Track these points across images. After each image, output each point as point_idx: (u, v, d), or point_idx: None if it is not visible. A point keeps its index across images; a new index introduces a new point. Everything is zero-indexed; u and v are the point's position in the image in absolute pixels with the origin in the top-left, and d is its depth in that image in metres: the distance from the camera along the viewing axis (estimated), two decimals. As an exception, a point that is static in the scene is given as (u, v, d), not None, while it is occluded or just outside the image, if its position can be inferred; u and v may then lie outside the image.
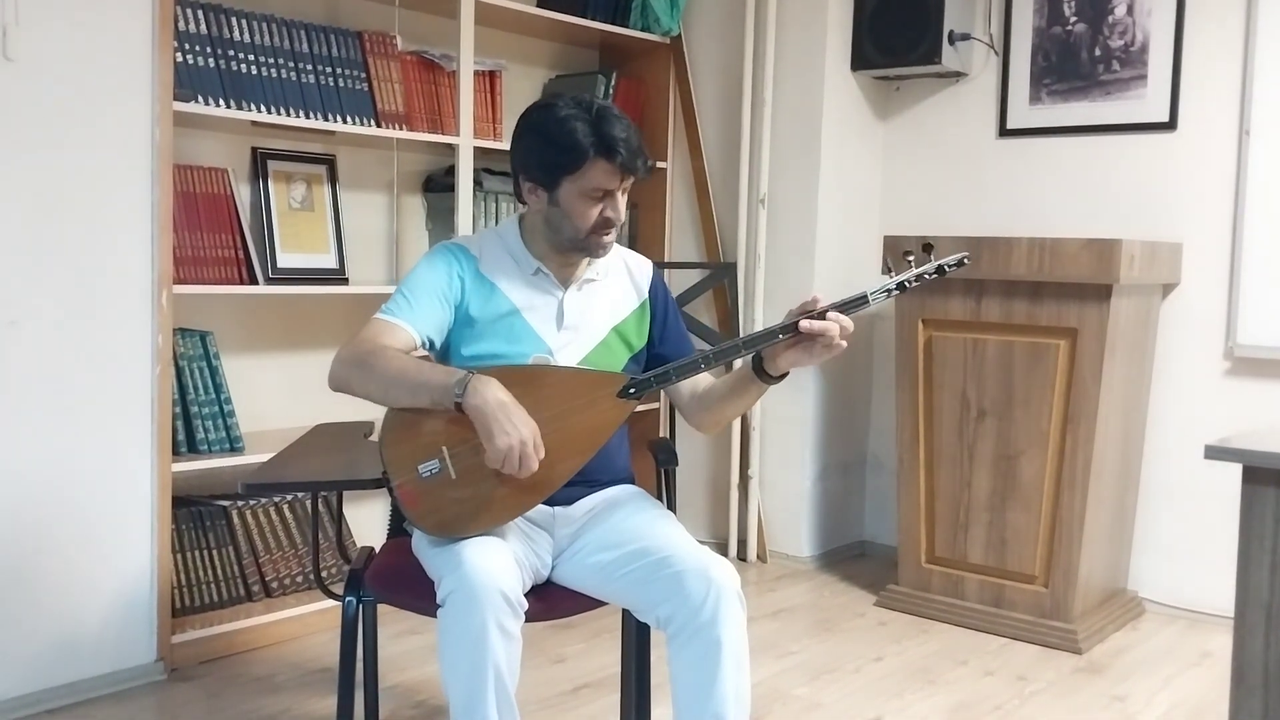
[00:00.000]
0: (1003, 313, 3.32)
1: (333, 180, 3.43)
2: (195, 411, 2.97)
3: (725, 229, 4.10)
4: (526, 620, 2.01)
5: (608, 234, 2.04)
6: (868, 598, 3.66)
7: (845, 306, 1.97)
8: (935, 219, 3.96)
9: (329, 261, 3.40)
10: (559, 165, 1.98)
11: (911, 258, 2.06)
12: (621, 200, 2.02)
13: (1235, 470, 1.64)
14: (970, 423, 3.40)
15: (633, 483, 2.25)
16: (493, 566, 1.79)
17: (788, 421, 3.96)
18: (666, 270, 4.13)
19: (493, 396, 1.82)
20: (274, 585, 3.20)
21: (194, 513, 3.05)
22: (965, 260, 2.09)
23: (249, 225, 3.24)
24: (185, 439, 2.96)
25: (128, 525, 2.77)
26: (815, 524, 4.02)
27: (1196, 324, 3.50)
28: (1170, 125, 3.53)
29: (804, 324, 1.92)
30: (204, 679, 2.87)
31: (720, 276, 3.90)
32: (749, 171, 3.96)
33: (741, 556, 4.06)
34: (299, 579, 3.26)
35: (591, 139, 1.94)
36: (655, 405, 4.08)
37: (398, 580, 2.07)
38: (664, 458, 2.28)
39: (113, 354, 2.71)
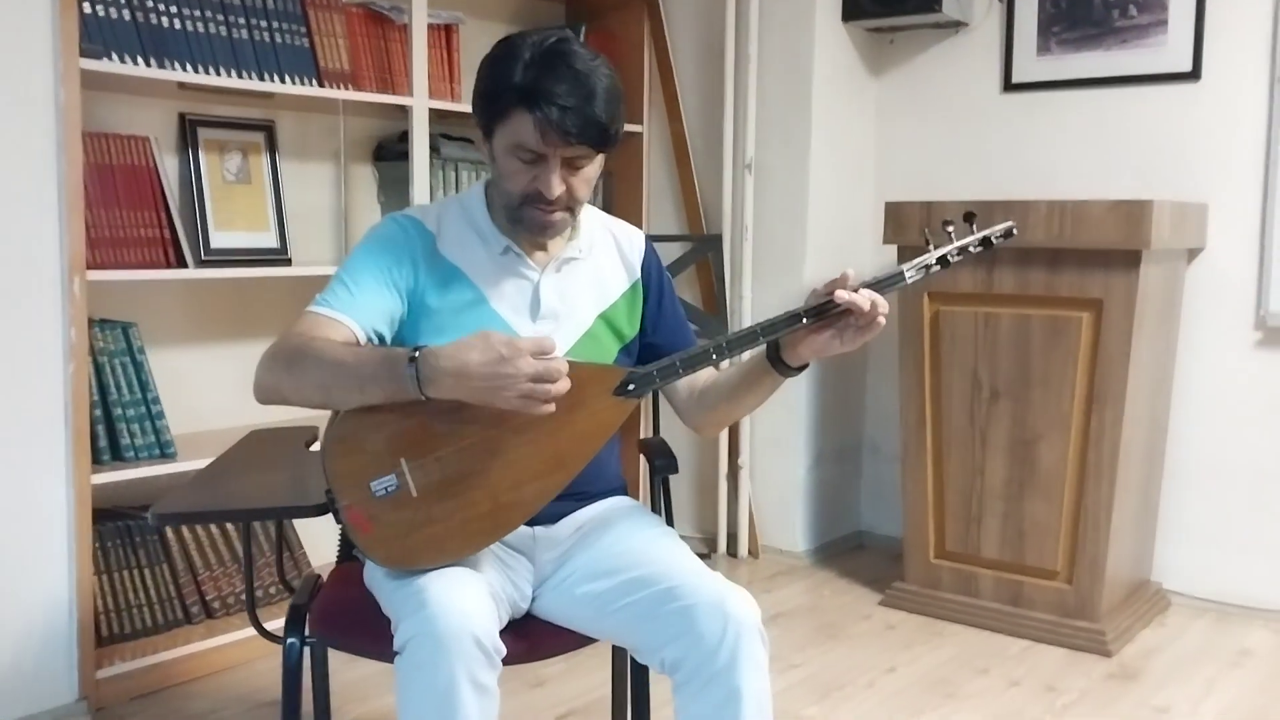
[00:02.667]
0: (1018, 283, 3.01)
1: (272, 149, 3.06)
2: (119, 414, 2.60)
3: (708, 198, 3.76)
4: (511, 661, 1.70)
5: (544, 209, 1.67)
6: (871, 596, 3.37)
7: (880, 285, 1.66)
8: (936, 183, 3.64)
9: (269, 240, 3.04)
10: (486, 110, 1.66)
11: (952, 228, 1.74)
12: (555, 173, 1.64)
13: (1265, 448, 1.33)
14: (982, 405, 3.10)
15: (625, 493, 1.92)
16: (464, 605, 1.47)
17: (779, 406, 3.64)
18: (644, 244, 3.80)
19: (452, 373, 1.47)
20: (215, 605, 2.86)
21: (121, 528, 2.69)
22: (1013, 230, 1.79)
23: (177, 201, 2.87)
24: (108, 445, 2.60)
25: (41, 546, 2.42)
26: (810, 515, 3.71)
27: (1224, 292, 3.22)
28: (1193, 75, 3.23)
29: (841, 295, 1.59)
30: (136, 717, 2.52)
31: (704, 250, 3.57)
32: (733, 135, 3.63)
33: (732, 552, 3.75)
34: (244, 597, 2.91)
35: (520, 82, 1.59)
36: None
37: (348, 618, 1.74)
38: (661, 462, 1.94)
39: (16, 351, 2.35)
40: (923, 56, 3.67)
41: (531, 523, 1.74)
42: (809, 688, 2.72)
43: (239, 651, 2.78)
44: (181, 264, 2.71)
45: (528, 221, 1.70)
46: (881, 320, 1.62)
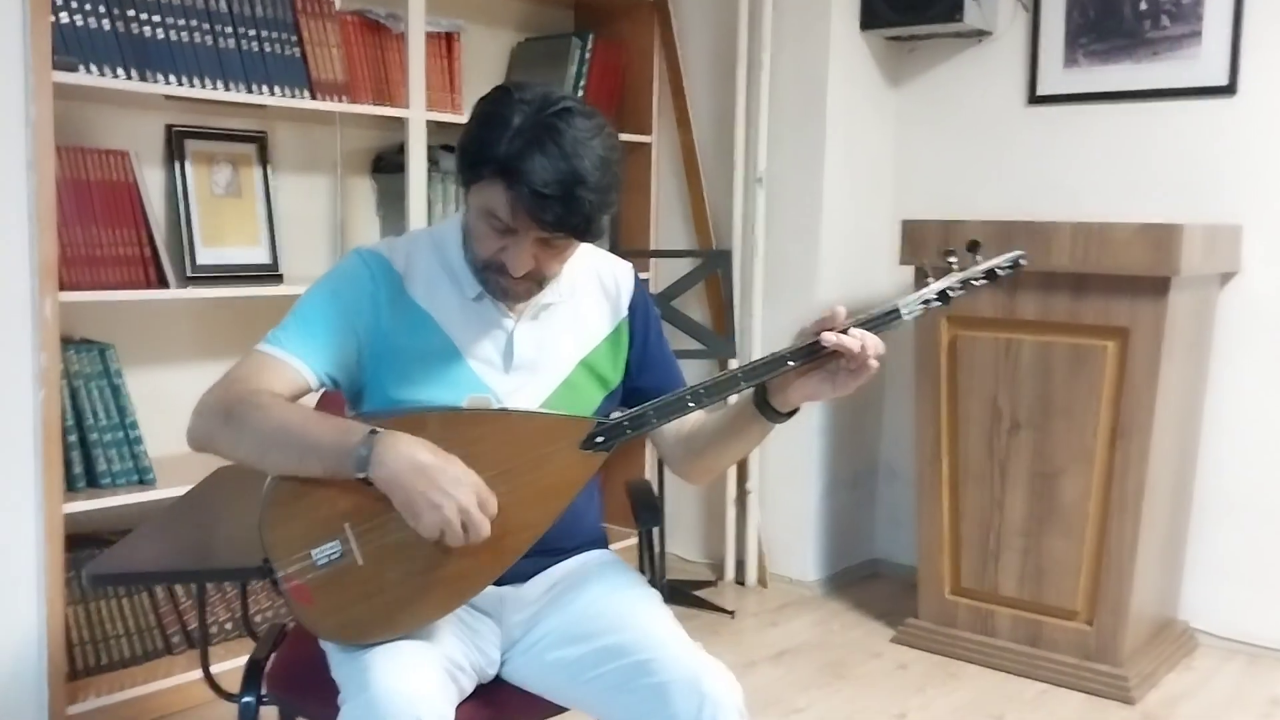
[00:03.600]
0: (1040, 309, 2.86)
1: (264, 161, 2.96)
2: (95, 439, 2.51)
3: (718, 212, 3.63)
4: (469, 730, 1.58)
5: (508, 280, 1.54)
6: (884, 631, 3.22)
7: (873, 324, 1.52)
8: (955, 199, 3.49)
9: (260, 256, 2.94)
10: (464, 167, 1.51)
11: (954, 259, 1.61)
12: (526, 250, 1.50)
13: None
14: (1002, 436, 2.95)
15: (604, 546, 1.80)
16: (409, 688, 1.35)
17: (790, 429, 3.45)
18: (652, 260, 3.68)
19: (406, 460, 1.37)
20: (198, 634, 2.75)
21: (98, 556, 2.59)
22: (1022, 261, 1.64)
23: (163, 216, 2.78)
24: (84, 471, 2.51)
25: (9, 577, 2.32)
26: (822, 544, 3.57)
27: (1259, 318, 3.05)
28: (1229, 89, 3.07)
29: (828, 337, 1.47)
30: (108, 755, 2.43)
31: (713, 266, 3.44)
32: (744, 146, 3.49)
33: (739, 580, 3.62)
34: (228, 625, 2.81)
35: (504, 151, 1.44)
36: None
37: (303, 679, 1.62)
38: (645, 513, 1.81)
39: (-18, 377, 2.26)
40: (944, 67, 3.52)
41: (499, 581, 1.62)
42: (811, 735, 2.59)
43: (225, 682, 2.67)
44: (163, 283, 2.61)
45: (490, 285, 1.58)
46: (873, 363, 1.49)
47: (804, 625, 3.28)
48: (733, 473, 3.58)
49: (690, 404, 1.52)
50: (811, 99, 3.41)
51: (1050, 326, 2.86)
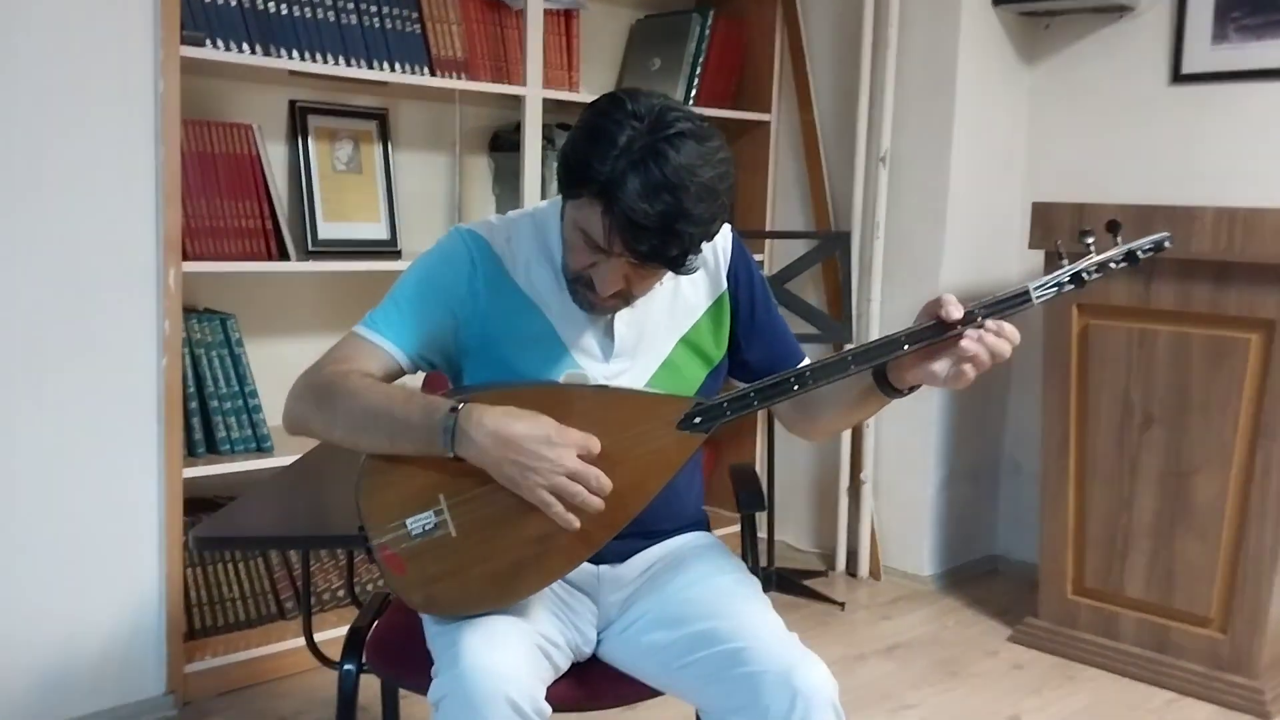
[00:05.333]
0: (1178, 298, 2.71)
1: (385, 138, 2.99)
2: (215, 406, 2.57)
3: (838, 192, 3.53)
4: (562, 710, 1.56)
5: (594, 296, 1.49)
6: (1000, 630, 3.11)
7: (1001, 307, 1.42)
8: (1092, 182, 3.33)
9: (379, 232, 2.97)
10: (564, 178, 1.44)
11: (1091, 240, 1.50)
12: (616, 272, 1.44)
13: None
14: (1133, 431, 2.81)
15: (705, 528, 1.75)
16: (500, 666, 1.33)
17: (908, 418, 3.41)
18: (768, 241, 3.61)
19: (492, 433, 1.35)
20: (312, 600, 2.81)
21: (205, 520, 2.66)
22: (1166, 244, 1.52)
23: (285, 191, 2.83)
24: (204, 438, 2.57)
25: (131, 538, 2.40)
26: (939, 537, 3.46)
27: None
28: (1397, 66, 2.85)
29: (966, 344, 1.39)
30: (222, 714, 2.49)
31: (831, 248, 3.35)
32: (867, 124, 3.39)
33: (851, 572, 3.53)
34: (340, 592, 2.86)
35: (605, 174, 1.36)
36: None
37: (402, 649, 1.62)
38: (747, 498, 1.75)
39: (109, 342, 2.33)
40: (1082, 44, 3.36)
41: (596, 560, 1.60)
42: (920, 733, 2.51)
43: (334, 649, 2.72)
44: (284, 255, 2.65)
45: (579, 298, 1.53)
46: (985, 363, 1.40)
47: (917, 620, 3.19)
48: (846, 461, 3.50)
49: (795, 387, 1.45)
50: (940, 76, 3.29)
51: (1189, 317, 2.70)
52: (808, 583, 3.37)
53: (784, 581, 3.35)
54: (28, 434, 2.25)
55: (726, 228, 1.68)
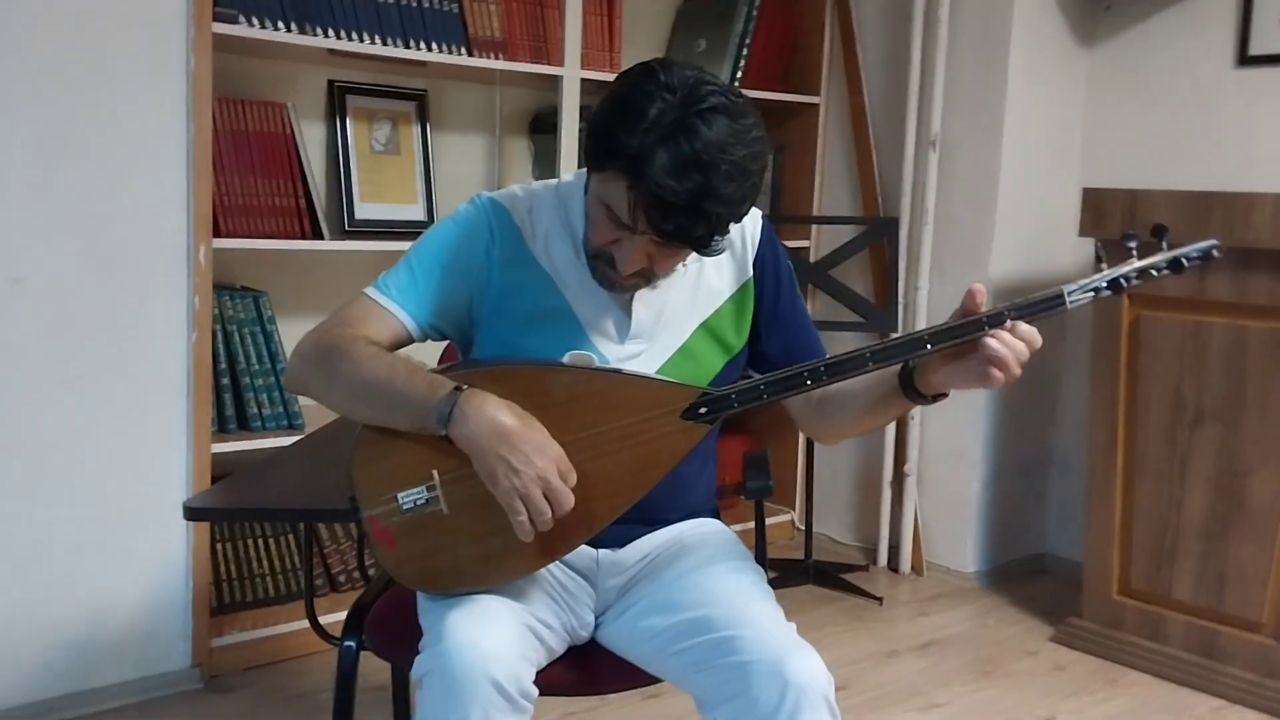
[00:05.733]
0: (1235, 289, 2.59)
1: (423, 119, 2.98)
2: (246, 383, 2.59)
3: (887, 177, 3.45)
4: (557, 694, 1.53)
5: (615, 274, 1.45)
6: (1043, 629, 3.02)
7: (1033, 309, 1.33)
8: (1151, 169, 3.21)
9: (416, 213, 2.97)
10: (590, 150, 1.40)
11: (1134, 245, 1.41)
12: (639, 250, 1.40)
13: None
14: (1185, 428, 2.70)
15: (716, 517, 1.71)
16: (485, 645, 1.30)
17: (954, 410, 3.32)
18: (815, 227, 3.54)
19: (489, 421, 1.32)
20: (341, 578, 2.82)
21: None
22: (1216, 252, 1.41)
23: (323, 171, 2.84)
24: (235, 414, 2.59)
25: (159, 512, 2.42)
26: (985, 533, 3.37)
27: None
28: None
29: (991, 345, 1.30)
30: (246, 689, 2.51)
31: (878, 234, 3.27)
32: (917, 107, 3.30)
33: (893, 566, 3.46)
34: (371, 571, 2.86)
35: (634, 146, 1.31)
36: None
37: (401, 628, 1.60)
38: (754, 483, 1.70)
39: (140, 317, 2.35)
40: (1144, 25, 3.23)
41: (595, 544, 1.56)
42: (948, 733, 2.44)
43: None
44: (317, 234, 2.66)
45: (599, 275, 1.49)
46: (1015, 371, 1.31)
47: (957, 617, 3.11)
48: (890, 453, 3.42)
49: (808, 382, 1.38)
50: (992, 59, 3.19)
51: (1246, 309, 2.58)
52: (846, 577, 3.30)
53: (821, 574, 3.29)
54: (59, 406, 2.27)
55: (757, 212, 1.63)
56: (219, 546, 2.62)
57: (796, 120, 3.55)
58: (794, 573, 3.30)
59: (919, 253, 3.31)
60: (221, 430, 2.56)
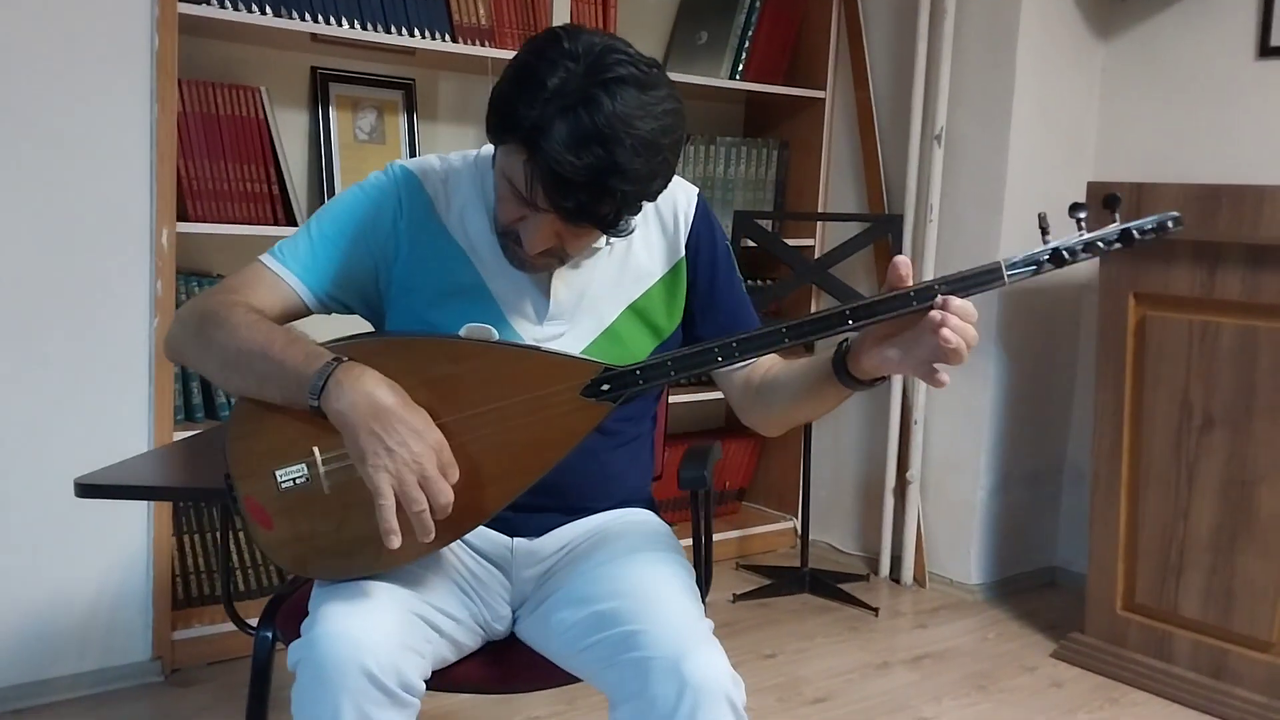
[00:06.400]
0: (1245, 288, 2.45)
1: (410, 109, 2.92)
2: (215, 372, 2.54)
3: (892, 173, 3.34)
4: (469, 690, 1.45)
5: (524, 252, 1.36)
6: (1045, 645, 2.88)
7: (967, 284, 1.24)
8: (1169, 165, 3.07)
9: (400, 203, 2.90)
10: (492, 120, 1.31)
11: (1082, 216, 1.31)
12: (542, 229, 1.31)
13: None
14: (1192, 434, 2.56)
15: (650, 509, 1.61)
16: (355, 632, 1.22)
17: (958, 413, 3.20)
18: (820, 224, 3.44)
19: (365, 396, 1.22)
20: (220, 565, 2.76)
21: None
22: (1172, 223, 1.29)
23: (305, 159, 2.80)
24: (203, 402, 2.55)
25: (120, 501, 2.37)
26: (989, 544, 3.24)
27: None
28: None
29: (945, 335, 1.20)
30: (208, 683, 2.46)
31: (882, 231, 3.16)
32: (923, 100, 3.19)
33: (895, 577, 3.33)
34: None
35: (531, 120, 1.23)
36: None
37: (300, 615, 1.53)
38: (688, 472, 1.59)
39: (100, 301, 2.31)
40: (1161, 17, 3.09)
41: (510, 533, 1.48)
42: (928, 749, 2.31)
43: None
44: (291, 221, 2.61)
45: (509, 254, 1.40)
46: (958, 351, 1.20)
47: (955, 630, 2.98)
48: (892, 459, 3.30)
49: (719, 358, 1.29)
50: (998, 51, 3.07)
51: (1256, 309, 2.44)
52: (844, 587, 3.18)
53: (817, 583, 3.17)
54: (18, 392, 2.24)
55: (693, 189, 1.55)
56: (185, 539, 2.57)
57: (801, 116, 3.45)
58: (789, 581, 3.19)
59: (923, 250, 3.20)
60: (189, 418, 2.51)
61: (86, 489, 1.40)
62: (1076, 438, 3.34)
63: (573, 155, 1.22)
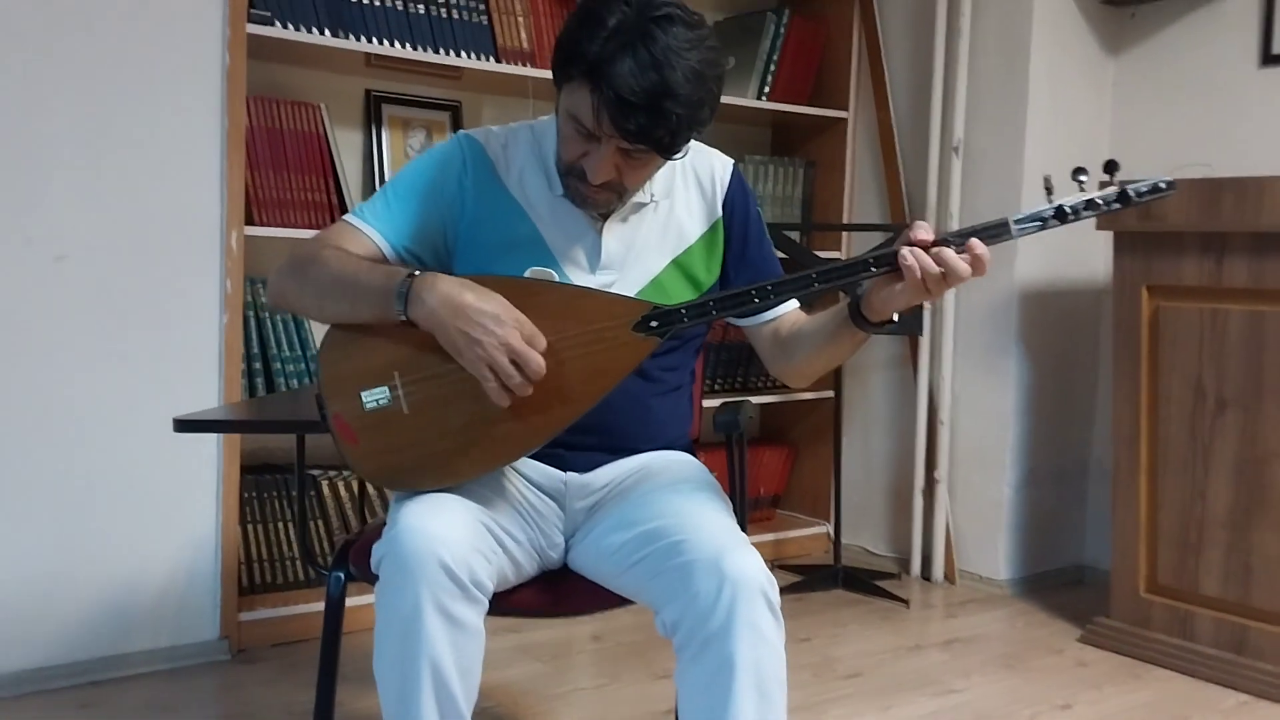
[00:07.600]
0: (1252, 275, 2.58)
1: (456, 128, 3.12)
2: (278, 369, 2.71)
3: (913, 185, 3.49)
4: (529, 615, 1.59)
5: (586, 188, 1.53)
6: (1072, 631, 2.97)
7: (977, 235, 1.41)
8: (1176, 171, 3.19)
9: (448, 216, 3.08)
10: (556, 66, 1.50)
11: (1084, 178, 1.47)
12: (607, 159, 1.48)
13: None
14: (1206, 417, 2.67)
15: (690, 453, 1.76)
16: (434, 529, 1.36)
17: (984, 413, 3.32)
18: (845, 235, 3.59)
19: (444, 296, 1.40)
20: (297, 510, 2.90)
21: (280, 480, 2.79)
22: (1165, 184, 1.44)
23: (360, 175, 2.99)
24: (265, 391, 2.70)
25: (191, 490, 2.53)
26: (1017, 541, 3.34)
27: None
28: None
29: (902, 253, 1.38)
30: (272, 662, 2.59)
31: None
32: (941, 115, 3.35)
33: (926, 575, 3.43)
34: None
35: (595, 52, 1.41)
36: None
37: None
38: (724, 416, 1.74)
39: (175, 298, 2.49)
40: (1169, 30, 3.25)
41: (563, 467, 1.63)
42: (959, 715, 2.40)
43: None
44: (348, 230, 2.78)
45: (570, 191, 1.58)
46: (909, 260, 1.38)
47: (985, 620, 3.07)
48: (920, 460, 3.42)
49: (755, 299, 1.46)
50: (1012, 66, 3.23)
51: (1263, 295, 2.56)
52: (875, 582, 3.28)
53: (850, 579, 3.28)
54: (97, 383, 2.41)
55: (728, 160, 1.72)
56: (249, 528, 2.72)
57: (826, 135, 3.62)
58: (823, 577, 3.30)
59: (945, 258, 3.33)
60: (253, 413, 2.68)
61: (184, 424, 1.56)
62: (1101, 436, 3.45)
63: (633, 80, 1.40)
